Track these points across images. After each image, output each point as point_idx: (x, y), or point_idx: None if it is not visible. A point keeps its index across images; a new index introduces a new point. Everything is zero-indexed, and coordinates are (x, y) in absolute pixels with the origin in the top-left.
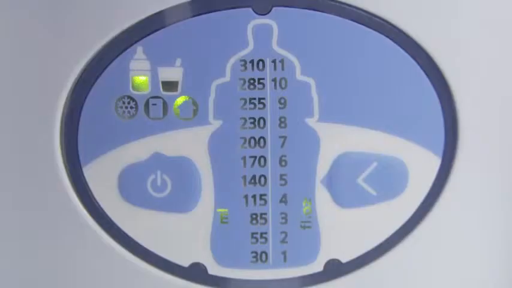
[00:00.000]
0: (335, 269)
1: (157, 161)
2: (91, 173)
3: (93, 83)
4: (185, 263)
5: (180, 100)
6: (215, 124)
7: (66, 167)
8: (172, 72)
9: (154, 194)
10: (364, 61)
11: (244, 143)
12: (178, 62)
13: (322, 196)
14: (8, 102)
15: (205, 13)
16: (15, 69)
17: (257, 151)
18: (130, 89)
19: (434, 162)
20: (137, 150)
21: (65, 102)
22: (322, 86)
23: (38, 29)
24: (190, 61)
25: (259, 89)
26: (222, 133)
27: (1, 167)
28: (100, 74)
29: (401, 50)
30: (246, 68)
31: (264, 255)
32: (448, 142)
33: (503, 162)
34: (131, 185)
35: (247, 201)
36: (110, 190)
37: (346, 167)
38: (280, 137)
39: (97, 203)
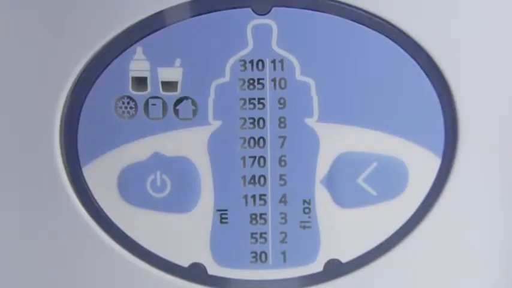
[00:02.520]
0: (335, 269)
1: (157, 161)
2: (91, 173)
3: (93, 83)
4: (185, 263)
5: (180, 100)
6: (215, 124)
7: (65, 167)
8: (172, 73)
9: (154, 194)
10: (364, 61)
11: (244, 143)
12: (178, 62)
13: (322, 196)
14: (8, 102)
15: (205, 13)
16: (15, 69)
17: (257, 151)
18: (130, 89)
19: (434, 162)
20: (137, 150)
21: (65, 102)
22: (322, 86)
23: (38, 29)
24: (190, 61)
25: (258, 89)
26: (222, 133)
27: (1, 167)
28: (100, 74)
29: (401, 50)
30: (245, 68)
31: (263, 256)
32: (448, 142)
33: (503, 162)
34: (131, 185)
35: (246, 201)
36: (109, 190)
37: (346, 167)
38: (280, 137)
39: (97, 203)
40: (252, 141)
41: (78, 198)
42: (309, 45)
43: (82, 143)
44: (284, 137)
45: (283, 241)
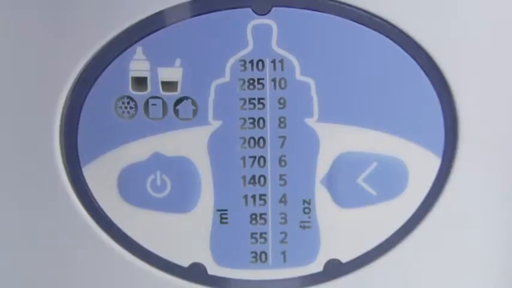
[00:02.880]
0: (335, 269)
1: (157, 161)
2: (91, 173)
3: (93, 83)
4: (185, 263)
5: (180, 100)
6: (215, 124)
7: (65, 167)
8: (172, 73)
9: (154, 194)
10: (364, 61)
11: (244, 143)
12: (177, 62)
13: (322, 196)
14: (8, 102)
15: (205, 13)
16: (15, 69)
17: (257, 151)
18: (130, 89)
19: (434, 162)
20: (137, 150)
21: (65, 102)
22: (322, 86)
23: (38, 29)
24: (190, 61)
25: (258, 89)
26: (222, 133)
27: (1, 167)
28: (100, 74)
29: (401, 50)
30: (245, 68)
31: (263, 256)
32: (448, 142)
33: (503, 162)
34: (131, 185)
35: (246, 201)
36: (109, 190)
37: (346, 167)
38: (280, 137)
39: (97, 203)
40: (252, 141)
41: (78, 198)
42: (309, 45)
43: (82, 143)
44: (284, 137)
45: (283, 241)
